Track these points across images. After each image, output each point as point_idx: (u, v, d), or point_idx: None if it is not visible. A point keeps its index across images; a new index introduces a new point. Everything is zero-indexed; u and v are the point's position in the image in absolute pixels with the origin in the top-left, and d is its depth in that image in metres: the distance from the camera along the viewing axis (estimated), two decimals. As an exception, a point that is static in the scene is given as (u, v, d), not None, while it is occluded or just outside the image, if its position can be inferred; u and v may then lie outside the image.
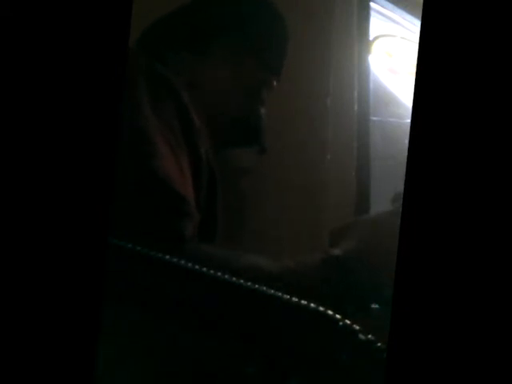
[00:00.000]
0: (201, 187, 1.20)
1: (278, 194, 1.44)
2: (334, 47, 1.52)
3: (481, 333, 0.68)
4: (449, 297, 0.68)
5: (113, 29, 0.79)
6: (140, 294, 1.01)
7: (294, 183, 1.45)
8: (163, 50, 1.34)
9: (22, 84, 0.79)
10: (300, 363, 0.99)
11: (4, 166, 0.79)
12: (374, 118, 1.54)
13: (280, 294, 0.99)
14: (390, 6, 1.66)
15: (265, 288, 0.99)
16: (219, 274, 1.00)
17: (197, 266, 1.01)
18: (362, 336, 0.95)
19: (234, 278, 1.00)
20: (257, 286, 0.99)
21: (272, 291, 0.99)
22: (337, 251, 1.14)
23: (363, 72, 1.56)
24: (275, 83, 1.38)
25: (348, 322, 0.96)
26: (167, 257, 1.01)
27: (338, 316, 0.97)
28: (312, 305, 0.98)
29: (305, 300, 0.98)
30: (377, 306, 1.06)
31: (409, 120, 0.71)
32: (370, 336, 0.95)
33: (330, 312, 0.97)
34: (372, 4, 1.61)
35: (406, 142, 0.71)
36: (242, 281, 1.00)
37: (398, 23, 1.68)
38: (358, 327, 0.96)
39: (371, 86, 1.56)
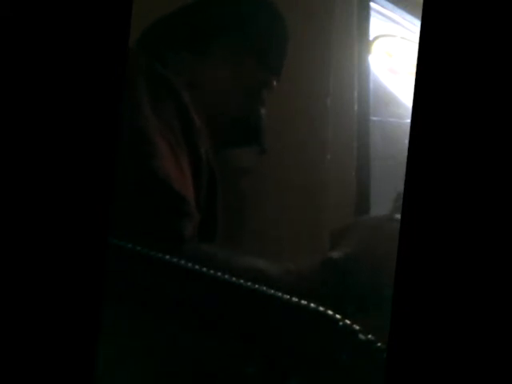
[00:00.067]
0: (201, 187, 1.20)
1: (277, 194, 1.44)
2: (334, 47, 1.52)
3: (480, 333, 0.68)
4: (449, 297, 0.68)
5: (113, 29, 0.79)
6: (140, 294, 1.01)
7: (294, 183, 1.45)
8: (163, 50, 1.34)
9: (22, 84, 0.79)
10: (300, 363, 0.99)
11: (4, 166, 0.79)
12: (374, 118, 1.54)
13: (280, 294, 0.99)
14: (390, 6, 1.66)
15: (265, 288, 0.99)
16: (219, 274, 1.00)
17: (197, 266, 1.01)
18: (361, 336, 0.95)
19: (234, 278, 1.00)
20: (257, 286, 0.99)
21: (272, 291, 0.99)
22: (336, 254, 1.14)
23: (363, 72, 1.56)
24: (275, 83, 1.38)
25: (348, 321, 0.96)
26: (167, 257, 1.01)
27: (338, 316, 0.97)
28: (312, 305, 0.98)
29: (305, 300, 0.98)
30: (376, 306, 1.06)
31: (409, 120, 0.71)
32: (369, 336, 0.95)
33: (329, 312, 0.97)
34: (372, 4, 1.61)
35: (406, 141, 0.71)
36: (241, 281, 1.00)
37: (398, 23, 1.68)
38: (357, 327, 0.96)
39: (371, 85, 1.56)
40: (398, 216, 0.72)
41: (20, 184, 0.79)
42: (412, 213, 0.70)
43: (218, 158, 1.28)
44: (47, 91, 0.79)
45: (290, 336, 1.00)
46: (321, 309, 0.97)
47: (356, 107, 1.53)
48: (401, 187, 0.71)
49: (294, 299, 0.98)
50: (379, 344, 0.94)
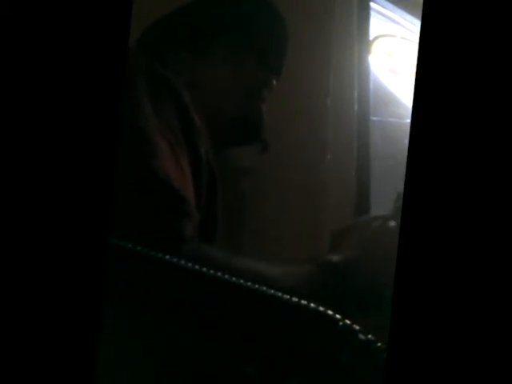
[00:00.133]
0: (201, 187, 1.20)
1: (278, 194, 1.44)
2: (334, 47, 1.52)
3: (480, 333, 0.68)
4: (449, 297, 0.68)
5: (113, 29, 0.79)
6: (140, 294, 1.01)
7: (294, 183, 1.44)
8: (163, 50, 1.34)
9: (22, 84, 0.79)
10: (300, 363, 0.99)
11: (4, 166, 0.79)
12: (374, 118, 1.54)
13: (280, 294, 0.99)
14: (390, 6, 1.66)
15: (265, 288, 0.99)
16: (219, 274, 1.00)
17: (197, 266, 1.01)
18: (362, 336, 0.95)
19: (234, 278, 1.00)
20: (257, 286, 0.99)
21: (272, 291, 0.99)
22: (335, 257, 1.14)
23: (363, 72, 1.56)
24: (275, 83, 1.38)
25: (348, 321, 0.96)
26: (167, 257, 1.01)
27: (338, 316, 0.97)
28: (312, 305, 0.98)
29: (305, 300, 0.98)
30: (376, 306, 1.06)
31: (409, 120, 0.71)
32: (369, 336, 0.95)
33: (329, 312, 0.97)
34: (372, 4, 1.61)
35: (406, 141, 0.71)
36: (241, 281, 1.00)
37: (398, 23, 1.68)
38: (358, 327, 0.96)
39: (371, 85, 1.56)
40: (398, 216, 0.72)
41: (20, 184, 0.79)
42: (412, 213, 0.70)
43: (218, 158, 1.28)
44: (47, 91, 0.79)
45: (289, 336, 1.00)
46: (321, 309, 0.97)
47: (356, 107, 1.53)
48: (401, 187, 0.71)
49: (294, 299, 0.98)
50: (379, 344, 0.94)
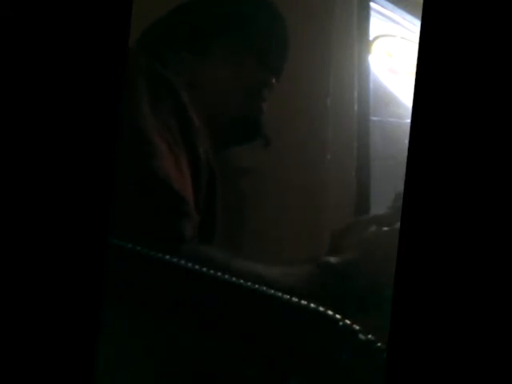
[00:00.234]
0: (200, 187, 1.20)
1: (278, 194, 1.44)
2: (334, 47, 1.52)
3: (480, 333, 0.68)
4: (449, 297, 0.68)
5: (113, 29, 0.79)
6: (140, 294, 1.00)
7: (294, 183, 1.45)
8: (163, 50, 1.34)
9: (22, 84, 0.79)
10: (300, 363, 0.99)
11: (4, 166, 0.79)
12: (374, 118, 1.54)
13: (280, 294, 0.99)
14: (390, 6, 1.66)
15: (265, 288, 0.99)
16: (219, 274, 1.00)
17: (197, 266, 1.01)
18: (362, 336, 0.95)
19: (234, 278, 1.00)
20: (257, 286, 0.99)
21: (272, 291, 0.99)
22: (334, 259, 1.14)
23: (363, 72, 1.56)
24: (275, 83, 1.38)
25: (348, 322, 0.96)
26: (167, 257, 1.01)
27: (338, 316, 0.97)
28: (312, 305, 0.98)
29: (305, 300, 0.98)
30: (376, 306, 1.06)
31: (409, 120, 0.71)
32: (369, 336, 0.95)
33: (329, 312, 0.97)
34: (372, 4, 1.61)
35: (406, 141, 0.71)
36: (241, 281, 1.00)
37: (398, 23, 1.68)
38: (357, 327, 0.96)
39: (371, 85, 1.56)
40: (398, 216, 0.72)
41: (20, 184, 0.79)
42: (412, 213, 0.70)
43: (217, 158, 1.28)
44: (47, 91, 0.79)
45: (289, 336, 1.00)
46: (321, 309, 0.97)
47: (356, 107, 1.53)
48: (401, 187, 0.71)
49: (294, 299, 0.98)
50: (379, 344, 0.94)
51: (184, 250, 1.09)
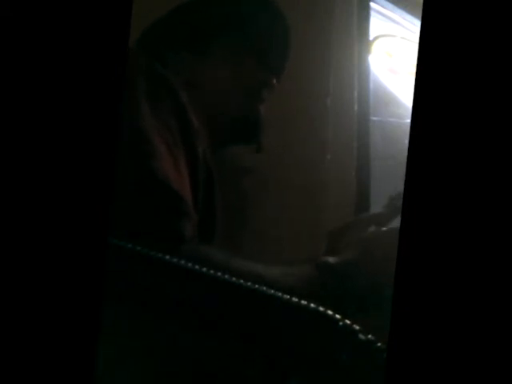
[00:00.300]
0: (199, 187, 1.20)
1: (277, 194, 1.44)
2: (334, 47, 1.52)
3: (480, 333, 0.68)
4: (449, 297, 0.68)
5: (113, 29, 0.79)
6: (140, 294, 1.00)
7: (294, 183, 1.45)
8: (163, 50, 1.34)
9: (22, 84, 0.79)
10: (300, 363, 0.99)
11: (4, 166, 0.79)
12: (374, 118, 1.54)
13: (280, 294, 0.99)
14: (390, 6, 1.66)
15: (265, 288, 0.99)
16: (219, 273, 1.00)
17: (197, 266, 1.01)
18: (362, 336, 0.95)
19: (234, 278, 1.00)
20: (257, 286, 0.99)
21: (272, 291, 0.99)
22: (333, 259, 1.14)
23: (363, 72, 1.56)
24: (275, 83, 1.38)
25: (348, 321, 0.96)
26: (167, 257, 1.01)
27: (337, 316, 0.97)
28: (312, 305, 0.98)
29: (305, 300, 0.98)
30: (376, 306, 1.06)
31: (409, 120, 0.71)
32: (369, 336, 0.95)
33: (329, 312, 0.97)
34: (372, 4, 1.61)
35: (406, 142, 0.71)
36: (241, 281, 1.00)
37: (398, 23, 1.68)
38: (357, 327, 0.96)
39: (371, 85, 1.56)
40: (398, 216, 0.72)
41: (20, 184, 0.79)
42: (412, 213, 0.70)
43: (216, 158, 1.28)
44: (47, 91, 0.79)
45: (290, 336, 1.00)
46: (321, 309, 0.97)
47: (356, 107, 1.53)
48: (401, 187, 0.71)
49: (294, 299, 0.98)
50: (379, 344, 0.94)
51: (184, 250, 1.09)
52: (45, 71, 0.79)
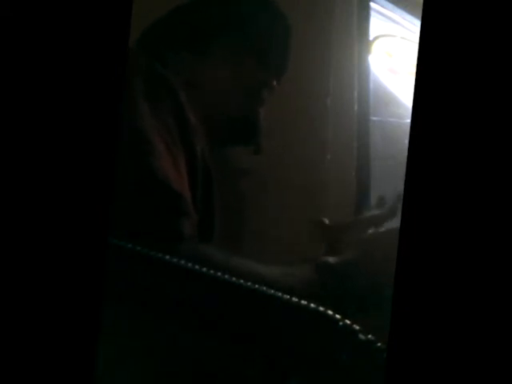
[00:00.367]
0: (197, 186, 1.20)
1: (278, 194, 1.44)
2: (334, 47, 1.53)
3: (480, 333, 0.68)
4: (449, 297, 0.68)
5: (113, 29, 0.79)
6: (140, 294, 1.01)
7: (294, 183, 1.45)
8: (163, 50, 1.34)
9: (22, 84, 0.79)
10: (300, 363, 0.99)
11: (4, 166, 0.79)
12: (374, 118, 1.54)
13: (280, 294, 0.99)
14: (390, 5, 1.66)
15: (265, 288, 0.99)
16: (219, 273, 1.00)
17: (197, 266, 1.01)
18: (361, 336, 0.95)
19: (234, 278, 1.00)
20: (257, 286, 0.99)
21: (272, 291, 0.99)
22: (332, 259, 1.14)
23: (363, 72, 1.56)
24: (275, 83, 1.38)
25: (348, 321, 0.96)
26: (167, 257, 1.01)
27: (337, 316, 0.97)
28: (312, 305, 0.98)
29: (305, 300, 0.98)
30: (376, 306, 1.06)
31: (409, 120, 0.71)
32: (369, 336, 0.95)
33: (329, 312, 0.97)
34: (372, 4, 1.61)
35: (406, 141, 0.71)
36: (241, 281, 1.00)
37: (398, 23, 1.68)
38: (357, 327, 0.96)
39: (371, 85, 1.56)
40: (398, 216, 0.72)
41: (20, 184, 0.79)
42: (412, 213, 0.70)
43: (216, 158, 1.28)
44: (47, 91, 0.79)
45: (290, 336, 1.00)
46: (321, 309, 0.97)
47: (356, 107, 1.53)
48: (401, 187, 0.71)
49: (294, 299, 0.98)
50: (379, 344, 0.94)
51: (183, 249, 1.09)
52: (45, 71, 0.79)
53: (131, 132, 1.11)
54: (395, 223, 1.17)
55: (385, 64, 1.65)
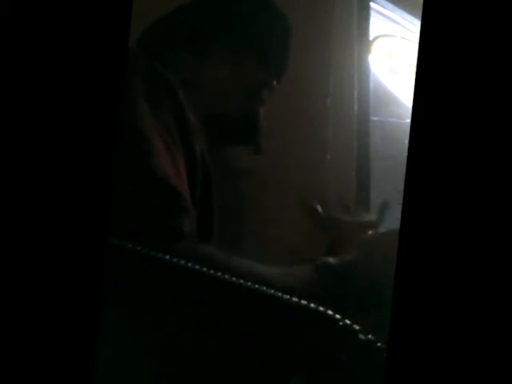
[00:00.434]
0: (196, 185, 1.20)
1: (278, 194, 1.45)
2: (334, 47, 1.53)
3: (480, 333, 0.68)
4: (449, 297, 0.68)
5: (113, 29, 0.79)
6: (140, 294, 1.01)
7: (294, 183, 1.45)
8: (163, 50, 1.34)
9: (22, 84, 0.79)
10: (300, 363, 0.99)
11: (4, 165, 0.79)
12: (374, 118, 1.54)
13: (280, 294, 0.99)
14: (390, 6, 1.66)
15: (265, 288, 0.99)
16: (219, 273, 1.00)
17: (197, 266, 1.01)
18: (362, 336, 0.95)
19: (234, 278, 1.00)
20: (257, 286, 0.99)
21: (272, 291, 0.99)
22: (333, 259, 1.14)
23: (363, 72, 1.56)
24: (275, 83, 1.38)
25: (348, 321, 0.96)
26: (167, 257, 1.01)
27: (337, 316, 0.97)
28: (312, 305, 0.98)
29: (305, 300, 0.98)
30: (376, 306, 1.06)
31: (409, 120, 0.71)
32: (369, 336, 0.95)
33: (329, 312, 0.97)
34: (372, 4, 1.61)
35: (406, 142, 0.71)
36: (241, 281, 1.00)
37: (398, 23, 1.68)
38: (357, 327, 0.96)
39: (371, 85, 1.56)
40: (398, 216, 0.72)
41: (20, 184, 0.79)
42: (412, 213, 0.70)
43: (216, 158, 1.28)
44: (47, 91, 0.79)
45: (290, 336, 1.00)
46: (321, 309, 0.97)
47: (356, 107, 1.53)
48: (401, 187, 0.71)
49: (294, 299, 0.98)
50: (379, 344, 0.94)
51: (183, 248, 1.09)
52: (45, 71, 0.79)
53: (131, 132, 1.11)
54: (394, 224, 1.17)
55: (385, 64, 1.65)
